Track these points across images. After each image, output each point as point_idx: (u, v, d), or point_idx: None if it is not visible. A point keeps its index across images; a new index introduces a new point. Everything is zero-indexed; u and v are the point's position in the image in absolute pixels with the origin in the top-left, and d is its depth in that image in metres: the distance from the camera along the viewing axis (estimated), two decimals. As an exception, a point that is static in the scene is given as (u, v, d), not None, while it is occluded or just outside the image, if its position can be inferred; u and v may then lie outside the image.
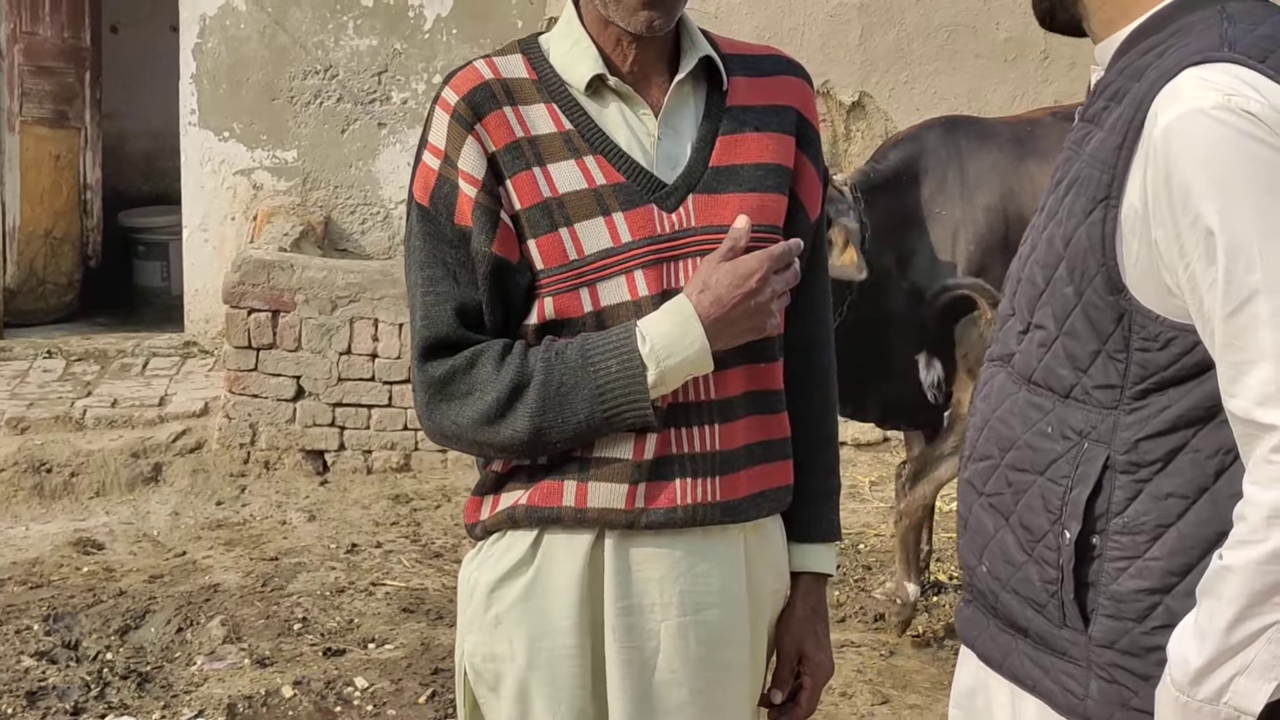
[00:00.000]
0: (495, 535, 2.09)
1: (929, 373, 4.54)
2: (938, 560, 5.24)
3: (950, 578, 5.21)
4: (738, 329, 1.96)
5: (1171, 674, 1.61)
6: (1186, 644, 1.59)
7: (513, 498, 2.05)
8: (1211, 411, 1.66)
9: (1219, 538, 1.63)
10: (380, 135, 7.48)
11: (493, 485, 2.09)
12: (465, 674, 2.12)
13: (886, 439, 6.67)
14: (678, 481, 2.00)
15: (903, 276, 4.74)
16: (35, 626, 4.69)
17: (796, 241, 2.00)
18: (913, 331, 4.72)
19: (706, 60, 2.05)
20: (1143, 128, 1.64)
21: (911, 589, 4.76)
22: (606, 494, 2.00)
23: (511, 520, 2.05)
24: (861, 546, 5.58)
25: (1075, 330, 1.72)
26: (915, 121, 5.31)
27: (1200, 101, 1.59)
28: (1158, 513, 1.69)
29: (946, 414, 4.64)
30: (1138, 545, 1.70)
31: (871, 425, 6.24)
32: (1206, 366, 1.64)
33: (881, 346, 4.76)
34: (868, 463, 6.57)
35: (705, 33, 2.09)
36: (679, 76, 2.03)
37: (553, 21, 7.41)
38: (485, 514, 2.09)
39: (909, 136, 4.96)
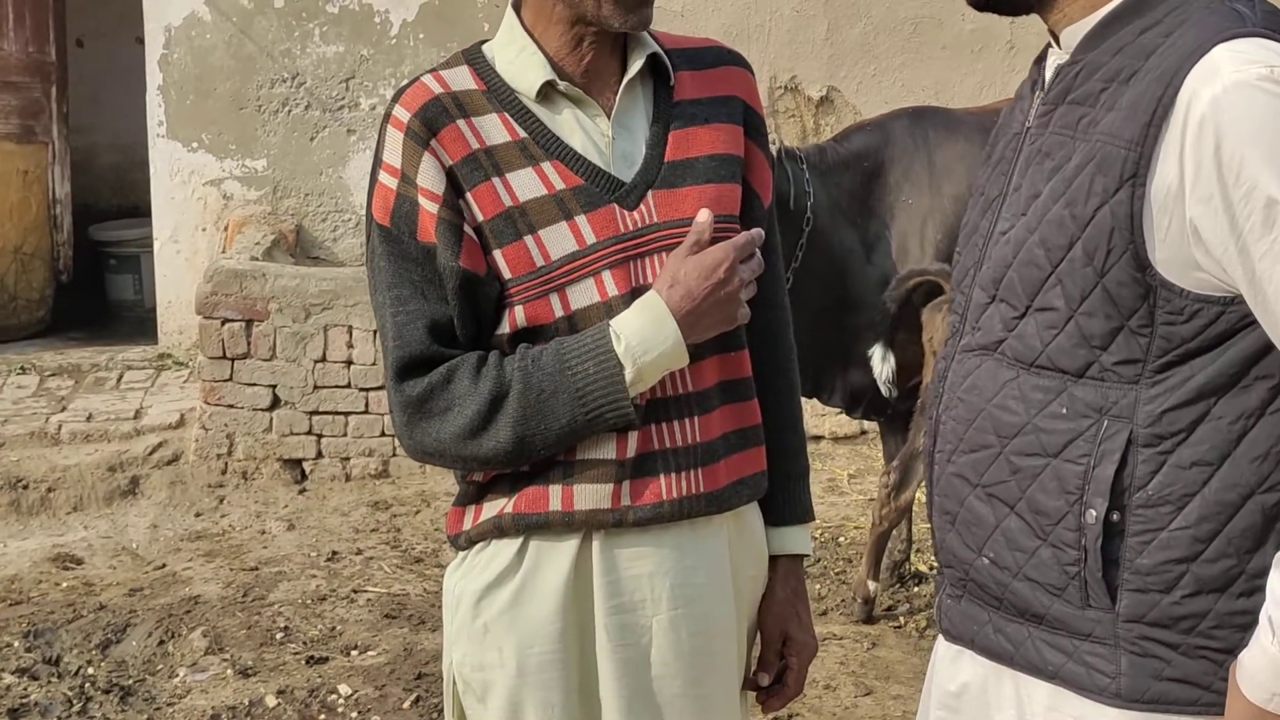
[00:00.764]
0: (480, 544, 2.09)
1: (884, 366, 4.55)
2: (918, 551, 5.25)
3: (931, 568, 5.22)
4: (710, 320, 1.97)
5: None
6: None
7: (497, 506, 2.06)
8: (1234, 378, 1.70)
9: (1244, 501, 1.70)
10: (350, 142, 7.47)
11: (474, 495, 2.10)
12: (454, 684, 2.12)
13: (864, 431, 6.68)
14: (662, 477, 2.01)
15: (869, 262, 4.77)
16: (15, 643, 4.68)
17: (759, 231, 2.02)
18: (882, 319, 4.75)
19: (652, 57, 2.07)
20: (1172, 105, 1.65)
21: (874, 587, 4.82)
22: (592, 495, 2.00)
23: (498, 529, 2.05)
24: (841, 539, 5.59)
25: (1094, 309, 1.72)
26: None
27: (1243, 75, 1.61)
28: (1183, 483, 1.71)
29: (918, 403, 4.66)
30: (1162, 517, 1.72)
31: (848, 419, 6.25)
32: (1228, 335, 1.69)
33: (846, 331, 4.79)
34: (846, 456, 6.59)
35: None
36: (629, 75, 2.04)
37: (519, 24, 7.43)
38: (468, 524, 2.10)
39: (876, 124, 5.00)
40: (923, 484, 4.80)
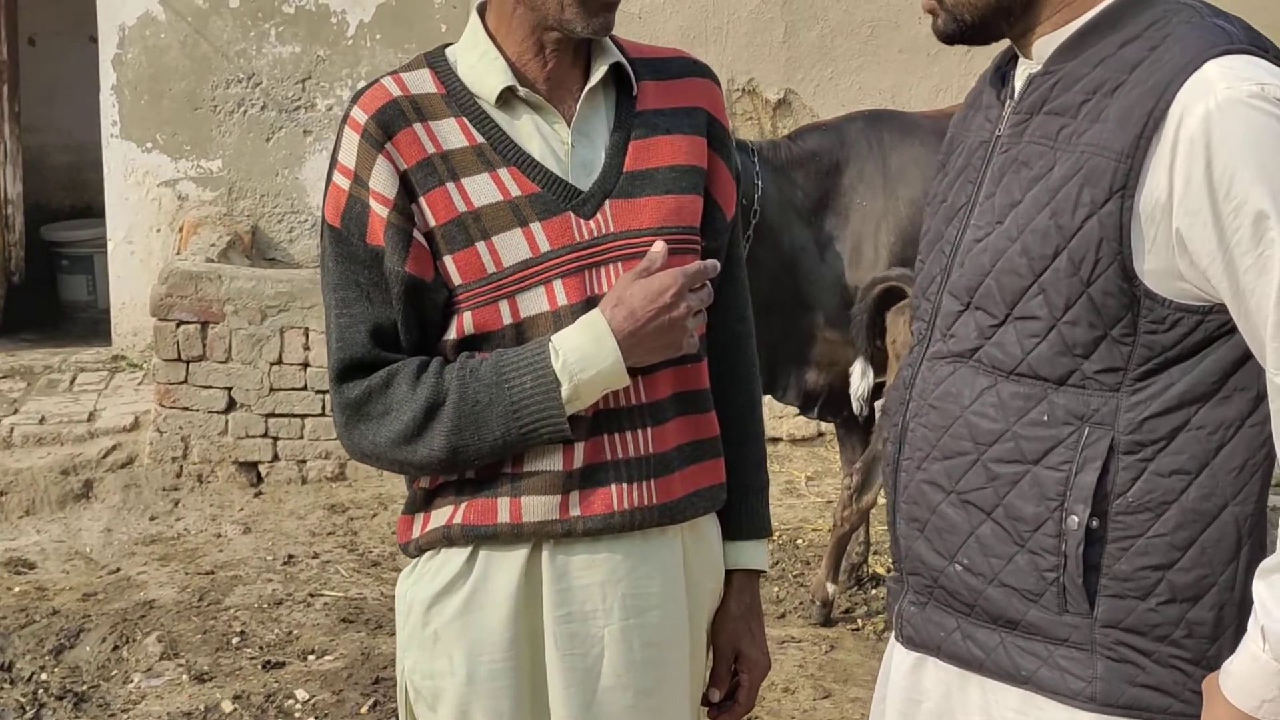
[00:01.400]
0: (429, 552, 2.08)
1: (862, 382, 4.55)
2: (875, 553, 5.27)
3: (888, 570, 5.24)
4: (653, 344, 1.96)
5: (1274, 648, 1.62)
6: None
7: (444, 515, 2.05)
8: (1213, 388, 1.73)
9: (1220, 510, 1.73)
10: (306, 142, 7.43)
11: (423, 502, 2.09)
12: (406, 691, 2.12)
13: (821, 433, 6.70)
14: (613, 487, 2.01)
15: (822, 260, 4.79)
16: (-33, 650, 4.63)
17: (713, 262, 2.01)
18: (836, 320, 4.76)
19: (616, 66, 2.06)
20: (1163, 119, 1.68)
21: (832, 589, 4.84)
22: (541, 507, 2.00)
23: (447, 539, 2.05)
24: (800, 542, 5.61)
25: (1078, 318, 1.74)
26: (839, 117, 5.35)
27: (1235, 91, 1.65)
28: (1163, 490, 1.74)
29: (879, 404, 4.67)
30: (1141, 524, 1.75)
31: (806, 420, 6.27)
32: (1205, 344, 1.72)
33: (799, 330, 4.80)
34: (803, 458, 6.61)
35: (611, 37, 2.09)
36: (590, 83, 2.04)
37: (477, 25, 7.41)
38: (417, 532, 2.09)
39: (832, 126, 5.02)
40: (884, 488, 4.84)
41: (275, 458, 6.23)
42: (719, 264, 2.03)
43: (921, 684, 1.95)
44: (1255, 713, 1.65)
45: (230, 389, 6.17)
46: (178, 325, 6.12)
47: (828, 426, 6.15)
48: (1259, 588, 1.66)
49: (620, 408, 2.01)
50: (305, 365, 6.18)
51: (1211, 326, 1.72)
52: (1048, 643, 1.80)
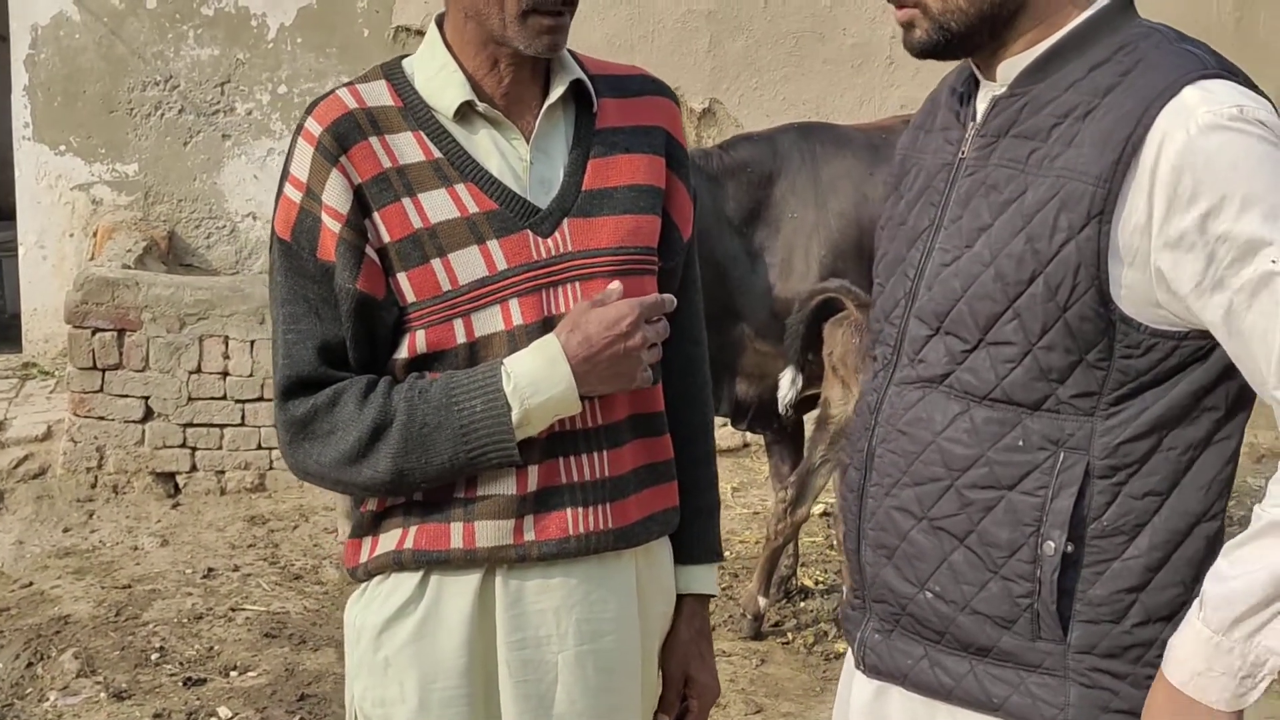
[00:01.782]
0: (379, 576, 2.03)
1: (791, 390, 4.55)
2: (803, 565, 5.27)
3: (816, 583, 5.24)
4: (606, 373, 1.93)
5: (1207, 616, 1.64)
6: (1232, 587, 1.62)
7: (394, 538, 2.01)
8: (1185, 410, 1.74)
9: (1191, 529, 1.74)
10: (224, 147, 7.31)
11: (370, 525, 2.04)
12: (356, 718, 2.06)
13: (747, 444, 6.70)
14: (568, 511, 1.97)
15: (753, 271, 4.78)
16: (-125, 668, 4.49)
17: (669, 297, 1.98)
18: (766, 332, 4.75)
19: (576, 83, 2.02)
20: (1142, 144, 1.67)
21: (764, 603, 4.83)
22: (494, 531, 1.96)
23: (397, 563, 2.00)
24: (727, 554, 5.59)
25: (1053, 343, 1.73)
26: (766, 127, 5.35)
27: (1216, 115, 1.65)
28: (1136, 513, 1.74)
29: (813, 416, 4.67)
30: (1115, 547, 1.75)
31: (733, 431, 6.27)
32: (1179, 369, 1.73)
33: (730, 341, 4.79)
34: (729, 469, 6.59)
35: (572, 53, 2.05)
36: (550, 100, 2.00)
37: (400, 31, 7.32)
38: (365, 556, 2.04)
39: (765, 137, 5.02)
40: (818, 500, 4.84)
41: (193, 468, 6.12)
42: (674, 299, 2.00)
43: (885, 713, 1.92)
44: (1184, 686, 1.66)
45: (147, 398, 6.06)
46: (93, 333, 6.00)
47: (754, 437, 6.15)
48: (1219, 562, 1.67)
49: (576, 430, 1.98)
50: (225, 374, 6.08)
51: (1186, 352, 1.72)
52: (1020, 669, 1.78)
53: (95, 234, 7.19)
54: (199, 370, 6.07)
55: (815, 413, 4.64)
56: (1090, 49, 1.78)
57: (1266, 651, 1.62)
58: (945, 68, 1.95)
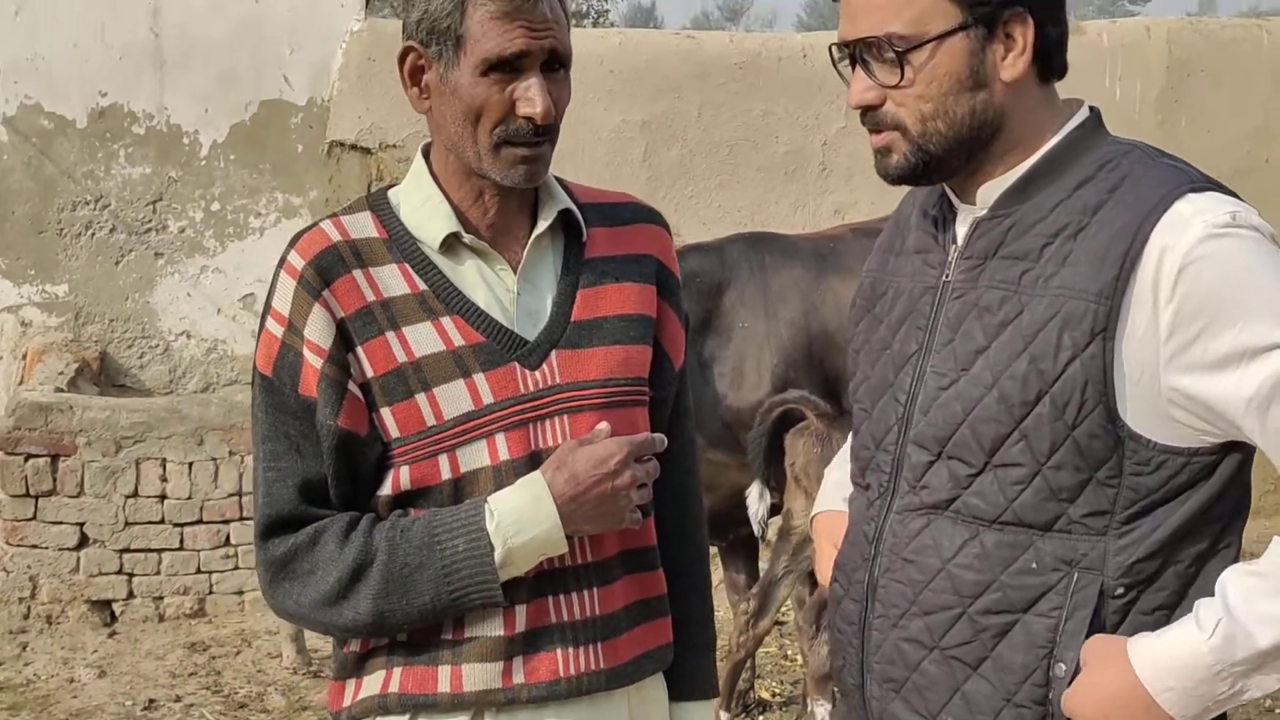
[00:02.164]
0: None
1: (760, 505, 4.51)
2: (759, 678, 5.20)
3: (774, 695, 5.17)
4: (593, 512, 1.89)
5: (1216, 645, 1.63)
6: (1253, 626, 1.62)
7: (378, 681, 1.95)
8: (1193, 525, 1.73)
9: None
10: (157, 265, 7.22)
11: (354, 667, 1.98)
12: None
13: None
14: (559, 651, 1.92)
15: (704, 380, 4.77)
16: None
17: (660, 436, 1.95)
18: (719, 442, 4.73)
19: (564, 212, 1.99)
20: (1139, 258, 1.68)
21: (726, 718, 4.76)
22: (482, 675, 1.90)
23: (383, 708, 1.94)
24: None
25: (1063, 462, 1.72)
26: (702, 235, 5.36)
27: (1211, 225, 1.68)
28: (1145, 628, 1.73)
29: (772, 526, 4.63)
30: None
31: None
32: (1189, 485, 1.72)
33: None
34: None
35: (560, 181, 2.03)
36: (537, 231, 1.97)
37: (334, 146, 7.29)
38: (349, 700, 1.98)
39: (713, 247, 5.03)
40: (781, 612, 4.78)
41: (130, 595, 5.97)
42: (665, 438, 1.96)
43: None
44: (1155, 692, 1.65)
45: (82, 524, 5.91)
46: (26, 459, 5.87)
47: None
48: (1228, 579, 1.66)
49: (565, 568, 1.93)
50: (162, 498, 5.95)
51: (1196, 469, 1.72)
52: None
53: (24, 356, 7.05)
54: (135, 494, 5.94)
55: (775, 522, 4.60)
56: (1070, 168, 1.79)
57: (1253, 688, 1.63)
58: (875, 177, 1.92)
